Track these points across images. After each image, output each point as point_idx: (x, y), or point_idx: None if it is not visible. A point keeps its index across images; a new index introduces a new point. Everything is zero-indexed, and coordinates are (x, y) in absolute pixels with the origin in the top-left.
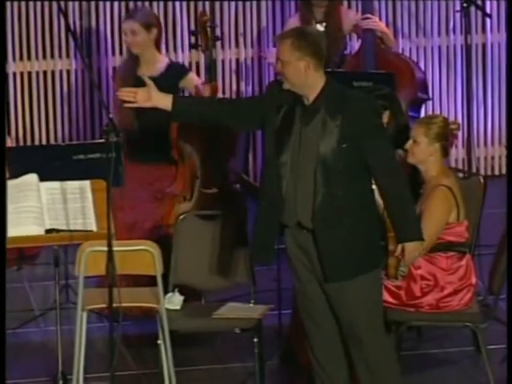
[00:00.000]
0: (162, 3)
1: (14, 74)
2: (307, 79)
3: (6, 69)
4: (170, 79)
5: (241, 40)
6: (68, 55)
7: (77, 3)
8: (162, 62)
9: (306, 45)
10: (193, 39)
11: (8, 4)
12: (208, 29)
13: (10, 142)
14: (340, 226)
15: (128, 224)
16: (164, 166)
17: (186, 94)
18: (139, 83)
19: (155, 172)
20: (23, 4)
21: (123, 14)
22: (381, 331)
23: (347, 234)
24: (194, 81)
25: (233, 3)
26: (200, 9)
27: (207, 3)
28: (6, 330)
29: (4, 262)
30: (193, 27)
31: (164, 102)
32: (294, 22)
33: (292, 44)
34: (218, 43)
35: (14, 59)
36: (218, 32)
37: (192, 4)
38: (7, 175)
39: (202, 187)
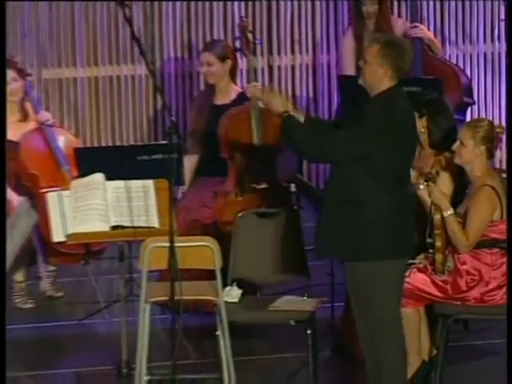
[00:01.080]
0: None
1: (82, 79)
2: (380, 85)
3: (76, 74)
4: (240, 105)
5: (296, 47)
6: (133, 61)
7: (141, 10)
8: (234, 91)
9: (390, 55)
10: (237, 44)
11: (76, 12)
12: (248, 34)
13: (77, 143)
14: None
15: (190, 222)
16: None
17: None
18: (214, 111)
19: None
20: (90, 12)
21: (185, 22)
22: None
23: None
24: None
25: (288, 11)
26: (258, 13)
27: (264, 10)
28: (74, 320)
29: (4, 262)
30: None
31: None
32: (348, 36)
33: (379, 50)
34: (275, 49)
35: (82, 65)
36: (274, 39)
37: (250, 9)
38: (75, 174)
39: (252, 183)
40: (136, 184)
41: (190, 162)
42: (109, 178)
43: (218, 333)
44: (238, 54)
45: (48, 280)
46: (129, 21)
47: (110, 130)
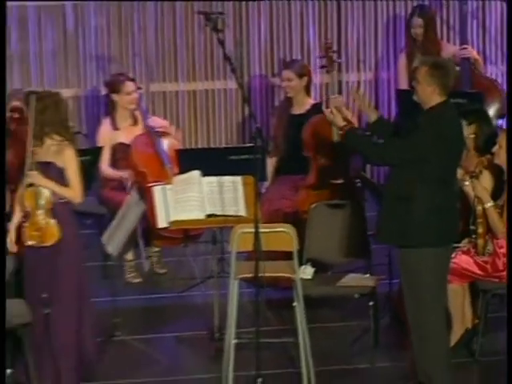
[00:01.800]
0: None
1: (183, 92)
2: (430, 101)
3: (178, 87)
4: (313, 116)
5: (361, 65)
6: (225, 77)
7: (231, 35)
8: (308, 103)
9: (437, 75)
10: (322, 62)
11: (178, 36)
12: (332, 54)
13: (178, 145)
14: None
15: (272, 211)
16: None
17: None
18: (292, 120)
19: (302, 178)
20: (190, 36)
21: (268, 43)
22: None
23: None
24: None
25: (355, 33)
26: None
27: (335, 33)
28: (175, 293)
29: (4, 262)
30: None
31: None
32: (402, 56)
33: (427, 71)
34: (344, 67)
35: (183, 80)
36: (343, 58)
37: (323, 31)
38: (176, 171)
39: (330, 178)
40: (227, 179)
41: (271, 162)
42: (204, 174)
43: (294, 304)
44: (322, 71)
45: (154, 259)
46: (222, 43)
47: (206, 134)
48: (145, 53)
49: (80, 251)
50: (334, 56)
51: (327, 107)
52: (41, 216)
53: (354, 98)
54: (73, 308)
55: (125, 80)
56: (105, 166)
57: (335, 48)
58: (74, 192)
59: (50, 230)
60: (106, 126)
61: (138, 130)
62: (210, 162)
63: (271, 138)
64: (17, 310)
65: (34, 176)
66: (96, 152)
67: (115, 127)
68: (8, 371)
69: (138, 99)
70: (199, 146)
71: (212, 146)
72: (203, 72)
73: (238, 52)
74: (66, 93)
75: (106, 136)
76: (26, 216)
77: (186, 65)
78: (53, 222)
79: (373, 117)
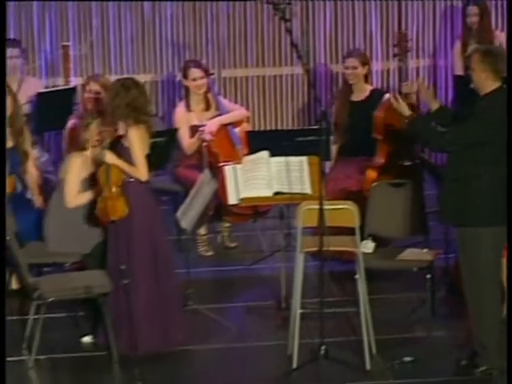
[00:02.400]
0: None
1: (252, 78)
2: (485, 87)
3: (247, 73)
4: (373, 101)
5: (420, 52)
6: (292, 63)
7: (299, 24)
8: (367, 90)
9: (489, 61)
10: (395, 50)
11: (248, 25)
12: (404, 43)
13: (248, 127)
14: None
15: (338, 190)
16: (371, 158)
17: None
18: (353, 106)
19: (364, 159)
20: (259, 25)
21: (333, 32)
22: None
23: None
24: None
25: (415, 22)
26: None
27: (396, 22)
28: (244, 265)
29: (4, 261)
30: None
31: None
32: (457, 43)
33: (479, 58)
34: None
35: (252, 66)
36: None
37: (384, 22)
38: (246, 152)
39: (398, 160)
40: (293, 159)
41: (335, 149)
42: (272, 154)
43: (356, 276)
44: (396, 59)
45: (225, 234)
46: (289, 32)
47: (274, 117)
48: (217, 40)
49: (154, 227)
50: (408, 45)
51: (400, 93)
52: (111, 192)
53: (418, 86)
54: (147, 279)
55: (191, 67)
56: (186, 142)
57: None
58: (139, 171)
59: (118, 206)
60: (181, 108)
61: (211, 113)
62: (277, 143)
63: (333, 124)
64: (98, 280)
65: (107, 155)
66: (171, 133)
67: (189, 110)
68: (89, 337)
69: (207, 84)
70: (268, 128)
71: (279, 128)
72: (271, 58)
73: (305, 40)
74: (144, 78)
75: (181, 118)
76: (99, 191)
77: (255, 52)
78: (122, 198)
79: (434, 106)
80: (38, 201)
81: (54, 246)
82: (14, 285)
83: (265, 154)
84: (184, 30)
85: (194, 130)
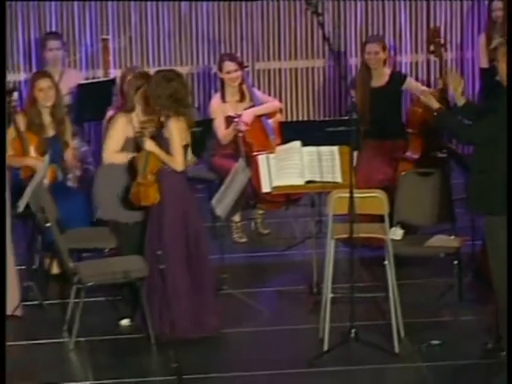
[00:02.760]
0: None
1: (285, 70)
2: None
3: (280, 65)
4: (394, 85)
5: (448, 45)
6: (324, 56)
7: (330, 18)
8: (387, 74)
9: None
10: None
11: (282, 19)
12: (438, 39)
13: (281, 118)
14: None
15: (366, 178)
16: (395, 141)
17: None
18: (374, 93)
19: (389, 144)
20: (292, 19)
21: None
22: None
23: None
24: (413, 83)
25: (443, 15)
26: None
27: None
28: (277, 251)
29: (4, 261)
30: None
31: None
32: (482, 37)
33: (504, 50)
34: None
35: (285, 59)
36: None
37: (413, 13)
38: (279, 142)
39: (431, 152)
40: (325, 149)
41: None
42: (304, 144)
43: (385, 262)
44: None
45: (258, 221)
46: (321, 25)
47: (306, 108)
48: (251, 34)
49: (188, 215)
50: (441, 40)
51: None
52: (146, 179)
53: (450, 79)
54: (181, 264)
55: (226, 60)
56: (222, 132)
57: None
58: (176, 161)
59: (151, 193)
60: (216, 99)
61: (245, 104)
62: (309, 133)
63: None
64: (135, 265)
65: (147, 142)
66: (207, 123)
67: (224, 101)
68: (127, 320)
69: (242, 77)
70: (300, 119)
71: (311, 118)
72: (304, 51)
73: (336, 34)
74: (181, 70)
75: (217, 108)
76: (135, 176)
77: (288, 45)
78: (155, 185)
79: (461, 102)
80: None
81: (101, 215)
82: (55, 269)
83: (297, 143)
84: (219, 24)
85: (229, 120)
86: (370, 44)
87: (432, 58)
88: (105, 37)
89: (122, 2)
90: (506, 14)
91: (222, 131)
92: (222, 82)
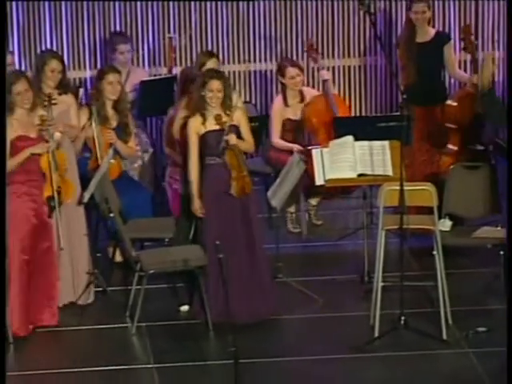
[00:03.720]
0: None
1: (339, 67)
2: None
3: (334, 63)
4: (438, 42)
5: (496, 44)
6: (376, 54)
7: (383, 18)
8: (431, 32)
9: None
10: (462, 44)
11: (335, 18)
12: (470, 36)
13: (346, 111)
14: None
15: (417, 171)
16: (437, 107)
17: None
18: (419, 48)
19: (431, 112)
20: (346, 18)
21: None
22: None
23: None
24: (452, 48)
25: (491, 14)
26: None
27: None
28: (330, 241)
29: (4, 262)
30: None
31: None
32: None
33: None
34: (480, 46)
35: (338, 57)
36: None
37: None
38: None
39: (469, 145)
40: (376, 143)
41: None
42: (356, 138)
43: (434, 252)
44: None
45: (312, 212)
46: (374, 25)
47: (358, 104)
48: (306, 33)
49: (246, 206)
50: (472, 38)
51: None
52: (243, 171)
53: (486, 62)
54: (240, 253)
55: (288, 66)
56: (276, 139)
57: (474, 29)
58: (250, 144)
59: (250, 183)
60: (278, 102)
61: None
62: (361, 128)
63: (400, 67)
64: (194, 254)
65: (232, 138)
66: (263, 119)
67: (286, 104)
68: (186, 307)
69: (301, 81)
70: (352, 115)
71: (363, 114)
72: (357, 49)
73: (387, 32)
74: (238, 68)
75: (278, 111)
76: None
77: (341, 43)
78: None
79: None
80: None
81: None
82: (118, 258)
83: (350, 138)
84: (275, 23)
85: (289, 123)
86: (416, 4)
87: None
88: (170, 35)
89: (183, 1)
90: (506, 14)
91: (275, 135)
92: (283, 86)
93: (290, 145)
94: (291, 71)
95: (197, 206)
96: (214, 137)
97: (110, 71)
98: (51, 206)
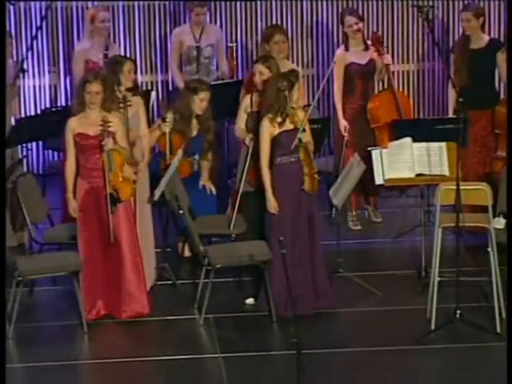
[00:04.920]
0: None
1: (398, 72)
2: None
3: (393, 68)
4: (491, 49)
5: None
6: (433, 59)
7: (441, 23)
8: (485, 39)
9: None
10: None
11: (395, 25)
12: None
13: (410, 113)
14: None
15: (470, 172)
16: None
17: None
18: (472, 54)
19: (484, 115)
20: (405, 25)
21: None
22: None
23: None
24: (504, 55)
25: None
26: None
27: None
28: (388, 238)
29: (4, 262)
30: None
31: None
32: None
33: None
34: None
35: (398, 61)
36: None
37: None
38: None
39: None
40: (434, 145)
41: (453, 93)
42: (414, 140)
43: (488, 249)
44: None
45: (371, 210)
46: (432, 31)
47: (416, 107)
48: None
49: (310, 204)
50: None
51: None
52: (314, 169)
53: None
54: (302, 250)
55: (346, 15)
56: (336, 89)
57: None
58: (312, 145)
59: (317, 180)
60: (340, 50)
61: (370, 52)
62: (419, 130)
63: (454, 72)
64: (259, 249)
65: (306, 135)
66: (324, 122)
67: (347, 50)
68: (251, 299)
69: (360, 29)
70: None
71: (421, 117)
72: (415, 55)
73: (445, 39)
74: (302, 72)
75: (340, 58)
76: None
77: (401, 49)
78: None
79: None
80: (210, 188)
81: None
82: (187, 252)
83: (408, 140)
84: (338, 28)
85: (354, 67)
86: (463, 12)
87: None
88: (231, 44)
89: (249, 6)
90: (506, 14)
91: (339, 78)
92: (346, 34)
93: (340, 109)
94: (349, 20)
95: (273, 203)
96: (288, 136)
97: (203, 89)
98: (108, 203)
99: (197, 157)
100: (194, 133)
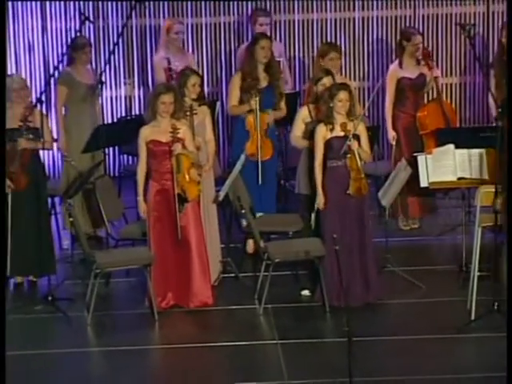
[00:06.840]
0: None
1: (442, 85)
2: None
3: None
4: None
5: None
6: (474, 72)
7: (481, 39)
8: None
9: None
10: None
11: (439, 41)
12: None
13: (455, 121)
14: None
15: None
16: None
17: None
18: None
19: None
20: (448, 41)
21: None
22: None
23: None
24: None
25: None
26: None
27: None
28: (432, 237)
29: (5, 263)
30: None
31: None
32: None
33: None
34: None
35: (441, 75)
36: None
37: None
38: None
39: None
40: (474, 151)
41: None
42: (457, 147)
43: None
44: None
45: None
46: (473, 47)
47: (458, 116)
48: None
49: (362, 204)
50: None
51: None
52: (361, 173)
53: None
54: (351, 246)
55: (416, 34)
56: (387, 102)
57: None
58: (368, 154)
59: (365, 184)
60: (394, 65)
61: (421, 67)
62: (461, 138)
63: (495, 86)
64: (315, 245)
65: (354, 144)
66: (375, 129)
67: (401, 67)
68: (307, 291)
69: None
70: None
71: (463, 126)
72: (458, 69)
73: (485, 54)
74: (354, 84)
75: (393, 73)
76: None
77: (444, 63)
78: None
79: None
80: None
81: (300, 189)
82: (250, 249)
83: (451, 146)
84: (386, 36)
85: (405, 81)
86: (502, 29)
87: None
88: (278, 59)
89: (306, 20)
90: (506, 14)
91: (391, 92)
92: (402, 49)
93: (389, 121)
94: (418, 38)
95: (322, 200)
96: (339, 142)
97: (264, 37)
98: (176, 203)
99: (270, 111)
100: (264, 84)
